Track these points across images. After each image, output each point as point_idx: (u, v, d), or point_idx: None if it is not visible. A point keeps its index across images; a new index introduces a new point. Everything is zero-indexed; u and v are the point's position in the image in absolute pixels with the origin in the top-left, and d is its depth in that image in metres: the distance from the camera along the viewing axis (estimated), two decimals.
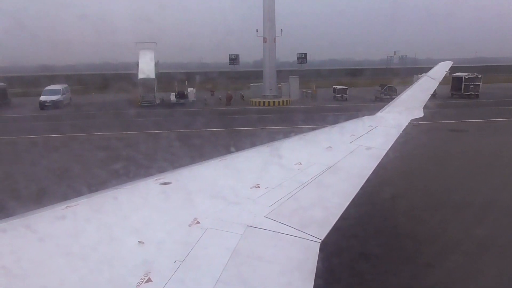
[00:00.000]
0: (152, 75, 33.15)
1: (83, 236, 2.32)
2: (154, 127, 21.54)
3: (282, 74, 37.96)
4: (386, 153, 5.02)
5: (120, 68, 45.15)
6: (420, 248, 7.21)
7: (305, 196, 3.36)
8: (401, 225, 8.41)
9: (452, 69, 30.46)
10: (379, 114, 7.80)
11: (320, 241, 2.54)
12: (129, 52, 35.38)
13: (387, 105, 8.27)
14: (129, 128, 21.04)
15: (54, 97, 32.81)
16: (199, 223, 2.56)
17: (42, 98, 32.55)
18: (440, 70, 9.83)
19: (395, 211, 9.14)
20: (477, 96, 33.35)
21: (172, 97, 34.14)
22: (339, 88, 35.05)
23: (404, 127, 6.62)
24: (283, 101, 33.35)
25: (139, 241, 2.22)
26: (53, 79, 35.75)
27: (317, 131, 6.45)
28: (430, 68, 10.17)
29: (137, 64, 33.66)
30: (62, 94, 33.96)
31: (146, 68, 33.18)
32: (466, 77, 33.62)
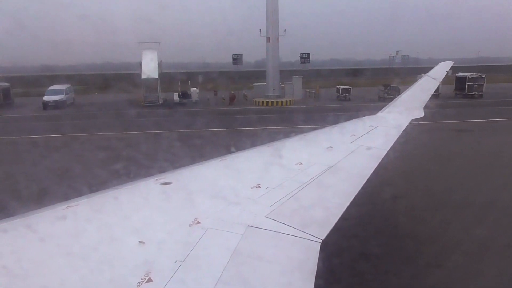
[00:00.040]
0: (155, 75, 33.08)
1: (84, 236, 2.33)
2: (158, 127, 21.50)
3: (284, 74, 37.85)
4: (387, 153, 5.01)
5: (121, 68, 45.31)
6: (421, 248, 7.20)
7: (305, 196, 3.36)
8: (402, 225, 8.40)
9: (454, 69, 30.41)
10: (379, 114, 7.79)
11: (321, 241, 2.55)
12: (132, 52, 35.48)
13: (387, 105, 8.26)
14: (134, 128, 21.06)
15: (57, 97, 32.77)
16: (200, 223, 2.57)
17: (45, 98, 32.52)
18: (441, 70, 9.79)
19: (396, 211, 9.13)
20: (481, 96, 33.14)
21: (175, 97, 34.15)
22: (342, 88, 34.96)
23: (404, 127, 6.61)
24: (286, 101, 33.26)
25: (139, 241, 2.23)
26: (54, 79, 35.87)
27: (317, 131, 6.45)
28: (432, 68, 10.14)
29: (140, 64, 33.65)
30: (65, 94, 33.95)
31: (149, 68, 33.12)
32: (470, 76, 33.40)
